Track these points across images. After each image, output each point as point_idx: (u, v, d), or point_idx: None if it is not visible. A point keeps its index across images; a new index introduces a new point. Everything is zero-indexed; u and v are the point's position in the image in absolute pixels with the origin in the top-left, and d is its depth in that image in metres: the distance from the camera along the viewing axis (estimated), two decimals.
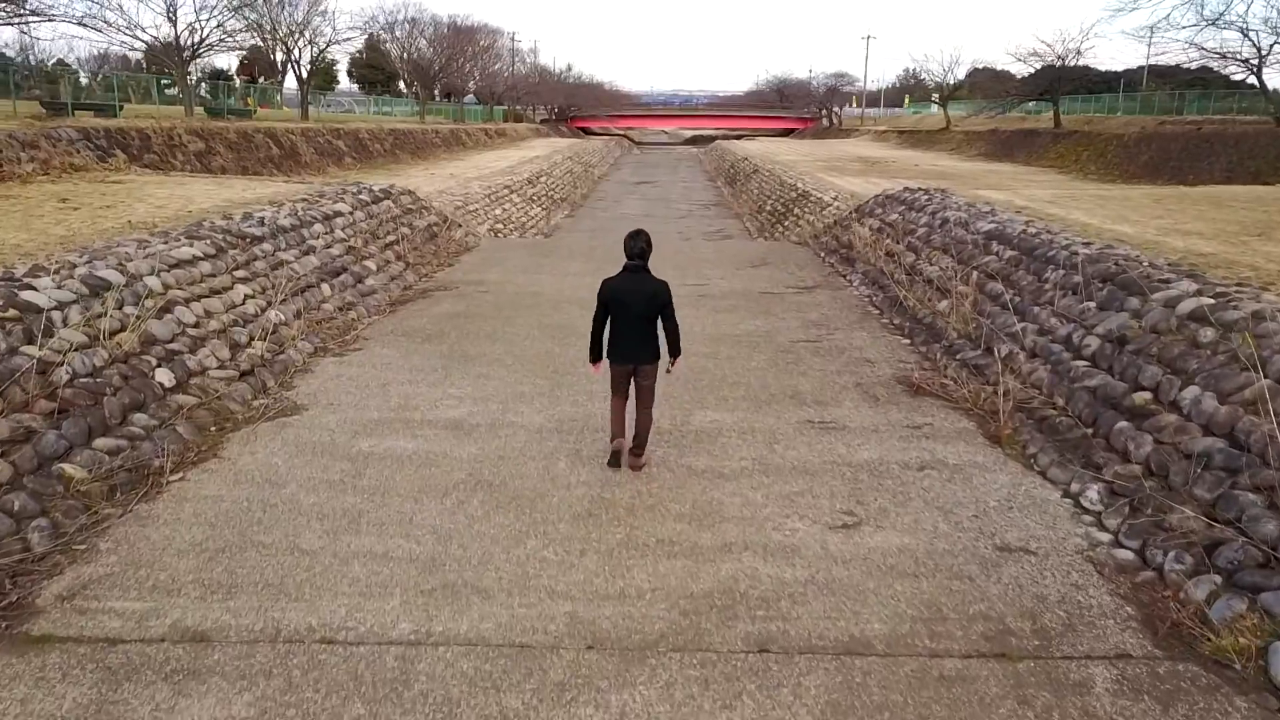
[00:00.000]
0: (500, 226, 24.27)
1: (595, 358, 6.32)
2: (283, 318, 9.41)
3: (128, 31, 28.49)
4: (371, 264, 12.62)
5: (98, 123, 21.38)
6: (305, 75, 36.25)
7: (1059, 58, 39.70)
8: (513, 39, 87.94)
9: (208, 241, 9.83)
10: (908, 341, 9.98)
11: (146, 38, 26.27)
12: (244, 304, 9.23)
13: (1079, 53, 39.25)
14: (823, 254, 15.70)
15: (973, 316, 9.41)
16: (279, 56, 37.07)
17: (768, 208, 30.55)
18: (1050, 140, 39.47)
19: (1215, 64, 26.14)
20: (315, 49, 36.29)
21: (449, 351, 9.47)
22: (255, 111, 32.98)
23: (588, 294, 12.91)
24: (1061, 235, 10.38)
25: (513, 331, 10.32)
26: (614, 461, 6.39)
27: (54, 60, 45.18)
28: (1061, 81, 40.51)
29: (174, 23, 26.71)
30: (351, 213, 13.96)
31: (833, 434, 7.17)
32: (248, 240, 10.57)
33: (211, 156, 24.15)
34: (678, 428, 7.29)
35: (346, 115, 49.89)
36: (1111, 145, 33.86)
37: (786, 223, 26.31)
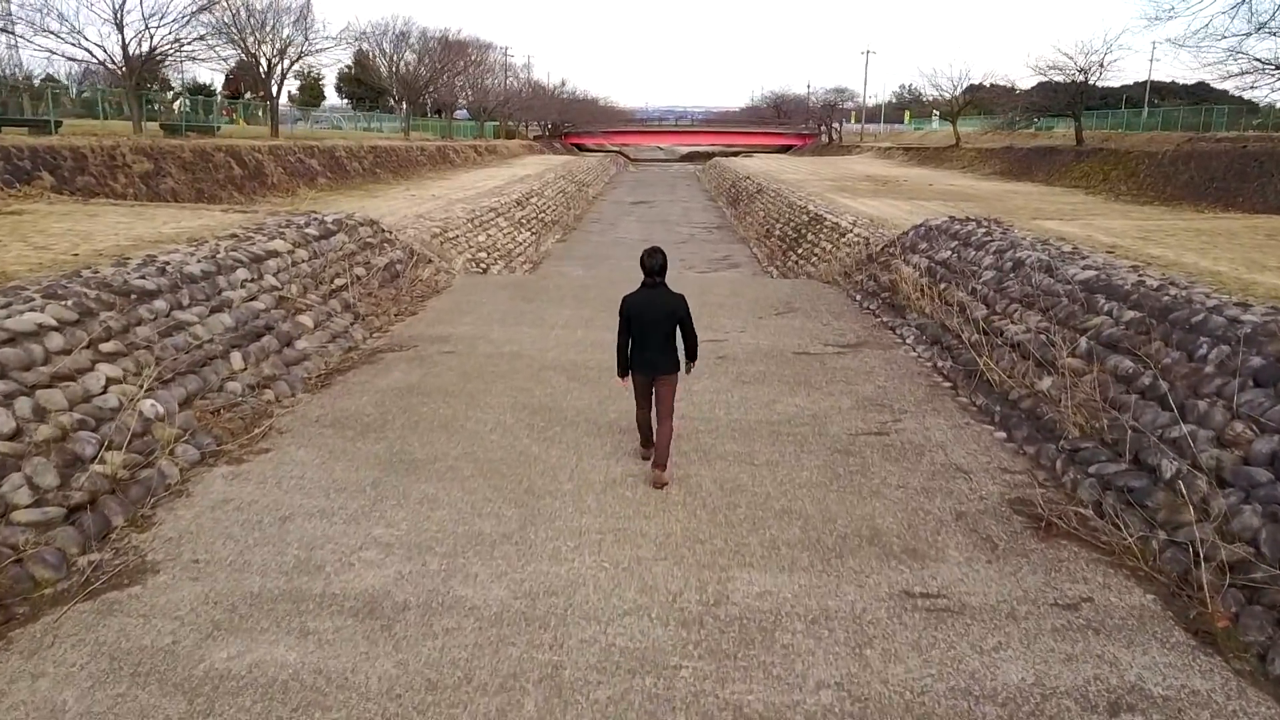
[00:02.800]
0: (483, 255, 21.85)
1: (622, 372, 6.58)
2: (160, 410, 6.90)
3: (68, 38, 25.80)
4: (308, 319, 10.11)
5: (25, 140, 18.91)
6: (276, 89, 33.80)
7: (1081, 70, 37.45)
8: (505, 53, 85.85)
9: (70, 302, 7.34)
10: (1003, 435, 7.50)
11: (91, 45, 23.72)
12: (104, 392, 6.72)
13: (1102, 65, 37.03)
14: (859, 297, 13.25)
15: (1100, 407, 6.94)
16: (262, 70, 34.54)
17: (776, 232, 28.19)
18: (1072, 158, 37.17)
19: (1264, 75, 23.81)
20: (287, 60, 33.81)
21: (387, 453, 6.97)
22: (220, 128, 30.52)
23: (579, 356, 10.48)
24: (1197, 290, 7.94)
25: (478, 418, 7.83)
26: (647, 457, 6.72)
27: (41, 75, 42.92)
28: (1084, 96, 38.20)
29: (121, 30, 24.20)
30: (291, 251, 11.48)
31: (948, 623, 4.67)
32: (133, 297, 8.07)
33: (161, 179, 21.66)
34: (709, 609, 4.79)
35: (330, 131, 47.57)
36: (1143, 164, 31.56)
37: (800, 250, 23.92)
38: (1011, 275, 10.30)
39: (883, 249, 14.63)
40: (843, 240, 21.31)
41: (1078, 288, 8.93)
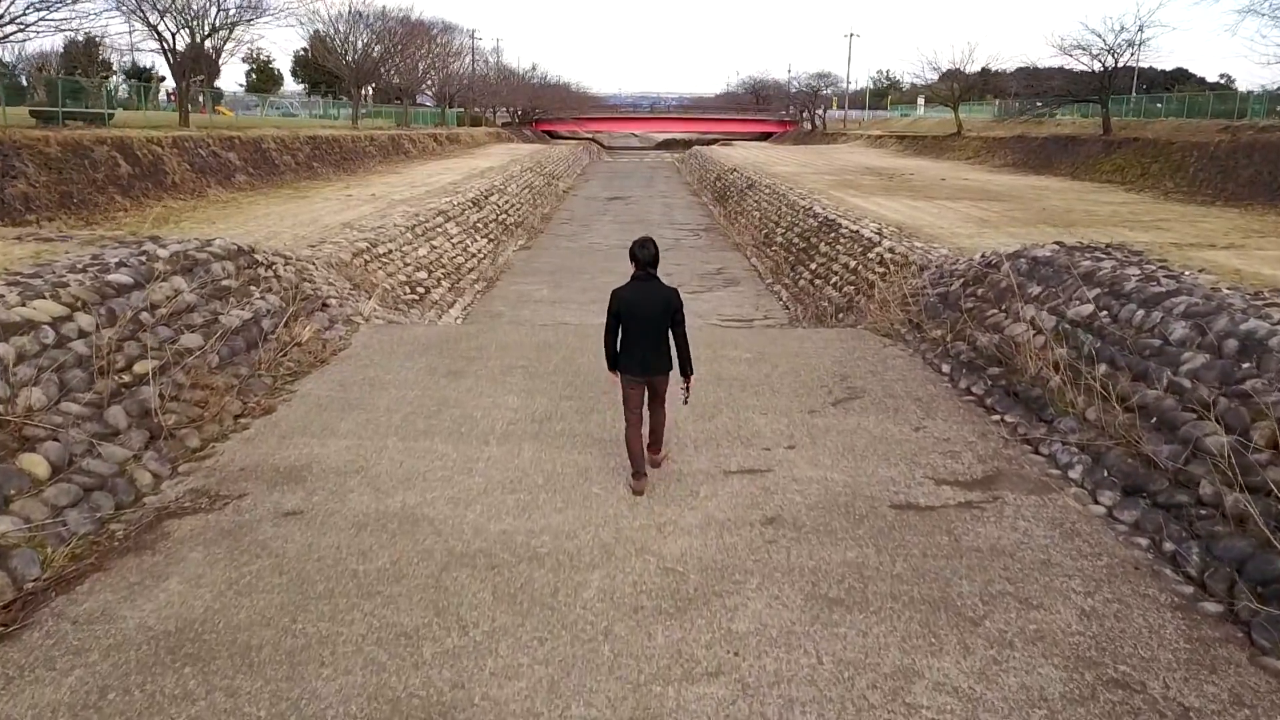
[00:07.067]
0: (423, 275, 17.48)
1: (612, 366, 6.18)
2: None
3: None
4: (43, 458, 5.75)
5: None
6: (184, 70, 28.88)
7: (1108, 50, 33.51)
8: (472, 36, 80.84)
9: None
10: None
11: None
12: None
13: (1131, 45, 33.16)
14: (947, 368, 9.04)
15: None
16: (166, 47, 29.63)
17: (778, 239, 23.97)
18: (1101, 149, 33.23)
19: None
20: (190, 33, 28.88)
21: None
22: (113, 115, 25.76)
23: (525, 521, 5.09)
24: None
25: None
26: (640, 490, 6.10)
27: None
28: (1112, 80, 34.28)
29: None
30: (65, 319, 7.10)
31: None
32: None
33: (10, 181, 17.07)
34: None
35: (261, 119, 42.72)
36: (1191, 156, 27.65)
37: (813, 265, 19.74)
38: (1250, 366, 6.15)
39: (965, 287, 10.43)
40: (869, 255, 17.20)
41: None
